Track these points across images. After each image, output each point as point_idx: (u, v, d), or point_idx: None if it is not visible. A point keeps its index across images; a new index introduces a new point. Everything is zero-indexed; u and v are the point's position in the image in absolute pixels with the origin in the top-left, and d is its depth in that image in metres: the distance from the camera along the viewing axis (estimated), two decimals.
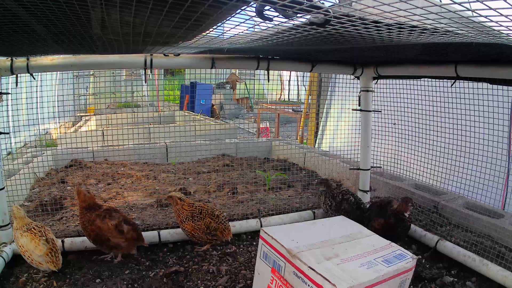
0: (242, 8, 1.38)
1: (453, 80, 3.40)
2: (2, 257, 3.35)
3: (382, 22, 1.52)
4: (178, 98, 17.52)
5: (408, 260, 2.40)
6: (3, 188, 3.56)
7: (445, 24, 1.49)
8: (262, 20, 1.43)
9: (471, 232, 3.78)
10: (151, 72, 3.42)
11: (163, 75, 19.40)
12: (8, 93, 3.78)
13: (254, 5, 1.31)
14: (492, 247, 3.44)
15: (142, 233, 3.56)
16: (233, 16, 1.54)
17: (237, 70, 16.01)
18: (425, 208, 4.25)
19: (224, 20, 1.64)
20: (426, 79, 3.98)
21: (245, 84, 15.78)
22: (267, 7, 1.32)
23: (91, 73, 12.82)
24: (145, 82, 12.58)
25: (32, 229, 3.19)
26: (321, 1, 1.30)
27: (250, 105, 16.04)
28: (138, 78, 16.88)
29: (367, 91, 4.30)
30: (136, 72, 15.24)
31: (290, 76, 15.01)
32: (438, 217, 4.05)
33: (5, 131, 3.59)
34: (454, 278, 3.24)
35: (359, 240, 2.60)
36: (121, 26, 1.89)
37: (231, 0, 1.20)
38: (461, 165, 3.90)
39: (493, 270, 3.13)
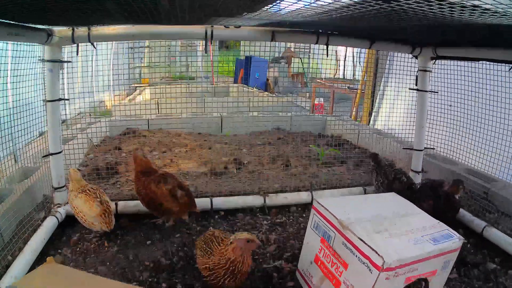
0: None
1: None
2: (56, 217, 3.52)
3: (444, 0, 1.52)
4: (233, 72, 17.62)
5: (454, 240, 2.41)
6: (61, 152, 3.71)
7: None
8: None
9: None
10: (211, 43, 3.46)
11: (217, 49, 19.44)
12: (70, 61, 3.84)
13: None
14: None
15: (195, 199, 3.64)
16: None
17: (293, 45, 15.86)
18: (475, 194, 4.19)
19: None
20: (484, 62, 3.90)
21: (301, 60, 15.63)
22: None
23: (146, 44, 13.00)
24: (206, 52, 12.62)
25: (87, 191, 3.32)
26: None
27: (305, 81, 15.91)
28: (193, 50, 17.01)
29: (425, 71, 4.26)
30: (191, 44, 15.32)
31: (346, 53, 14.79)
32: (487, 204, 3.99)
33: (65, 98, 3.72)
34: (497, 266, 3.21)
35: (408, 217, 2.62)
36: None
37: None
38: None
39: None
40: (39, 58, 3.49)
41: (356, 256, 2.27)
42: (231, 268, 2.37)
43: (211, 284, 2.52)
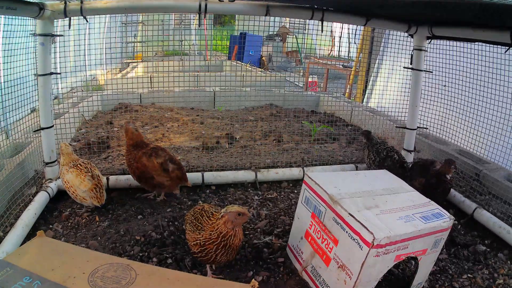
0: None
1: (507, 47, 3.31)
2: (47, 192, 3.50)
3: None
4: (227, 48, 17.53)
5: (445, 219, 2.41)
6: (52, 126, 3.67)
7: None
8: None
9: (509, 204, 3.69)
10: (205, 17, 3.41)
11: (212, 25, 19.30)
12: (61, 35, 3.77)
13: None
14: None
15: (186, 174, 3.63)
16: None
17: (288, 23, 15.77)
18: (467, 175, 4.21)
19: None
20: (480, 43, 3.87)
21: (296, 37, 15.56)
22: None
23: (140, 20, 12.89)
24: (199, 26, 12.52)
25: (78, 165, 3.30)
26: None
27: (299, 58, 15.85)
28: (187, 27, 16.88)
29: (420, 50, 4.23)
30: (185, 20, 15.21)
31: (342, 31, 14.72)
32: (479, 185, 4.01)
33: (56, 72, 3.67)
34: (487, 248, 3.24)
35: (399, 195, 2.63)
36: None
37: None
38: (509, 136, 3.83)
39: None
40: (31, 32, 3.43)
41: (347, 232, 2.28)
42: (223, 242, 2.34)
43: (201, 260, 2.50)
